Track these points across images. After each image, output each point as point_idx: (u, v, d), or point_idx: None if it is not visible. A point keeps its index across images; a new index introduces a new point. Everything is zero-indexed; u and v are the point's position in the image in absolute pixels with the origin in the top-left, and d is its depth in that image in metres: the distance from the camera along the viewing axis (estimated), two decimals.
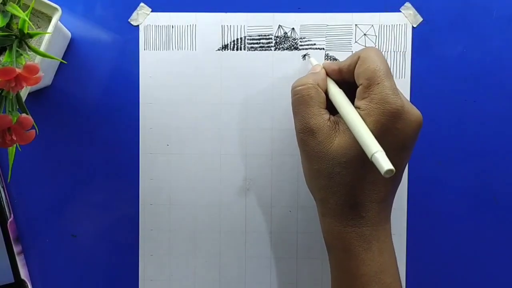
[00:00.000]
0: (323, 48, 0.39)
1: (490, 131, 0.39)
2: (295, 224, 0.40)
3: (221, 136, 0.40)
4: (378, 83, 0.30)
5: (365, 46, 0.39)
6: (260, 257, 0.40)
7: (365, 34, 0.39)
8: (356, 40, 0.39)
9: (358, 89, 0.32)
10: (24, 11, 0.29)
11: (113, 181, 0.40)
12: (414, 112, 0.31)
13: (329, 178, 0.31)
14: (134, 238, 0.40)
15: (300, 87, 0.33)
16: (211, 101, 0.40)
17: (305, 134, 0.32)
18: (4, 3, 0.29)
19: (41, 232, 0.40)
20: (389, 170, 0.27)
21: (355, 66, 0.32)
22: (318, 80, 0.33)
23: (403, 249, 0.39)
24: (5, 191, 0.40)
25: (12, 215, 0.40)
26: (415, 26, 0.39)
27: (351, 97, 0.32)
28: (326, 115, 0.32)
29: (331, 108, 0.33)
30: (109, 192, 0.40)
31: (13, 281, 0.39)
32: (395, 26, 0.39)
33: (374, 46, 0.37)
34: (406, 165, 0.33)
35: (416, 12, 0.39)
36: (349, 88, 0.33)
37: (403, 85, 0.39)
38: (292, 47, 0.39)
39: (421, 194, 0.39)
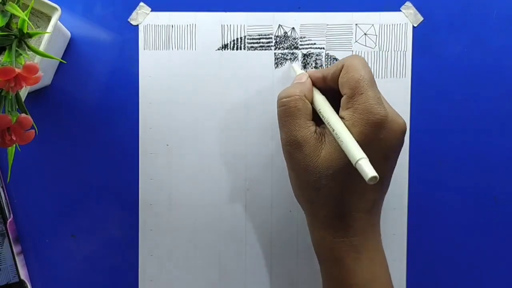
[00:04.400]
0: (323, 48, 0.39)
1: (490, 131, 0.39)
2: (295, 224, 0.40)
3: (221, 136, 0.40)
4: (362, 93, 0.30)
5: (365, 45, 0.39)
6: (260, 257, 0.40)
7: (365, 34, 0.39)
8: (357, 39, 0.39)
9: (342, 99, 0.32)
10: (23, 11, 0.29)
11: (113, 181, 0.40)
12: (398, 121, 0.31)
13: (317, 191, 0.32)
14: (134, 238, 0.40)
15: (286, 99, 0.32)
16: (211, 101, 0.39)
17: (292, 146, 0.32)
18: (3, 3, 0.29)
19: (41, 232, 0.40)
20: (373, 177, 0.27)
21: (339, 74, 0.32)
22: (304, 91, 0.33)
23: (403, 249, 0.39)
24: (5, 191, 0.40)
25: (12, 215, 0.40)
26: (415, 25, 0.39)
27: (336, 105, 0.33)
28: (312, 127, 0.32)
29: (317, 119, 0.33)
30: (109, 192, 0.40)
31: (17, 280, 0.39)
32: (396, 25, 0.39)
33: (358, 55, 0.36)
34: (392, 173, 0.33)
35: (417, 12, 0.39)
36: (334, 96, 0.33)
37: (404, 84, 0.39)
38: (292, 47, 0.39)
39: (421, 194, 0.39)
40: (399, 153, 0.32)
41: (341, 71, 0.32)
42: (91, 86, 0.40)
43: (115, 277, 0.40)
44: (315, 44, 0.39)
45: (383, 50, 0.39)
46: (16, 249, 0.39)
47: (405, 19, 0.39)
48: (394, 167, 0.33)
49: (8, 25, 0.30)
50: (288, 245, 0.40)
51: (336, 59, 0.39)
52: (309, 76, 0.35)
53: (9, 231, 0.39)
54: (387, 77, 0.39)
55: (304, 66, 0.39)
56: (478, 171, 0.39)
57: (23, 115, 0.29)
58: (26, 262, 0.40)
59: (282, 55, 0.39)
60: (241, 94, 0.39)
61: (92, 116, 0.40)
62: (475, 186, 0.39)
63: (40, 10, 0.34)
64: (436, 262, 0.39)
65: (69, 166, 0.40)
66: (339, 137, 0.30)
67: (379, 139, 0.30)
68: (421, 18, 0.39)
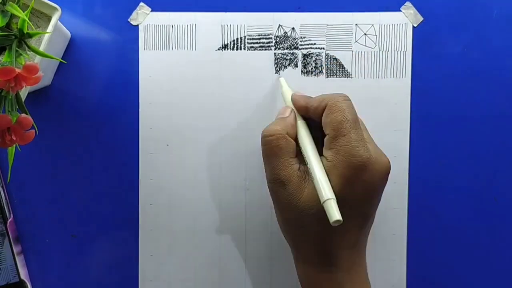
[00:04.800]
0: (323, 48, 0.39)
1: (491, 131, 0.39)
2: None
3: (221, 136, 0.40)
4: (344, 135, 0.30)
5: (365, 45, 0.39)
6: (260, 257, 0.40)
7: (365, 34, 0.39)
8: (356, 39, 0.39)
9: (326, 138, 0.32)
10: (23, 11, 0.29)
11: (113, 181, 0.40)
12: (381, 161, 0.31)
13: (300, 228, 0.32)
14: (134, 238, 0.40)
15: (269, 138, 0.32)
16: (211, 101, 0.39)
17: (276, 185, 0.32)
18: (3, 3, 0.29)
19: (41, 232, 0.40)
20: (336, 221, 0.28)
21: (322, 111, 0.32)
22: (287, 128, 0.33)
23: (403, 249, 0.39)
24: (5, 191, 0.40)
25: (12, 215, 0.40)
26: (415, 25, 0.39)
27: (319, 135, 0.33)
28: (295, 165, 0.32)
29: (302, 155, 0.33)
30: (109, 192, 0.40)
31: (17, 280, 0.39)
32: (396, 25, 0.39)
33: (344, 94, 0.34)
34: (375, 210, 0.33)
35: (417, 12, 0.39)
36: (318, 124, 0.33)
37: (404, 84, 0.39)
38: (292, 47, 0.39)
39: (421, 194, 0.39)
40: (382, 191, 0.33)
41: (324, 109, 0.32)
42: (91, 86, 0.40)
43: (115, 277, 0.40)
44: (315, 44, 0.39)
45: (383, 50, 0.39)
46: (16, 249, 0.39)
47: (405, 19, 0.39)
48: (378, 204, 0.33)
49: (8, 25, 0.30)
50: (288, 245, 0.40)
51: (336, 59, 0.39)
52: (294, 102, 0.35)
53: (9, 231, 0.39)
54: (387, 77, 0.39)
55: (304, 66, 0.39)
56: (478, 171, 0.39)
57: (23, 115, 0.29)
58: (26, 262, 0.40)
59: (282, 55, 0.39)
60: (241, 94, 0.39)
61: (92, 116, 0.40)
62: (475, 186, 0.39)
63: (40, 10, 0.34)
64: (436, 262, 0.39)
65: (69, 166, 0.40)
66: (313, 175, 0.30)
67: (362, 181, 0.30)
68: (421, 18, 0.39)
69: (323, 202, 0.29)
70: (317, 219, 0.31)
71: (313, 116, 0.33)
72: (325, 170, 0.31)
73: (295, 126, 0.34)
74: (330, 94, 0.33)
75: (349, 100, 0.32)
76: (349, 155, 0.30)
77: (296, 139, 0.33)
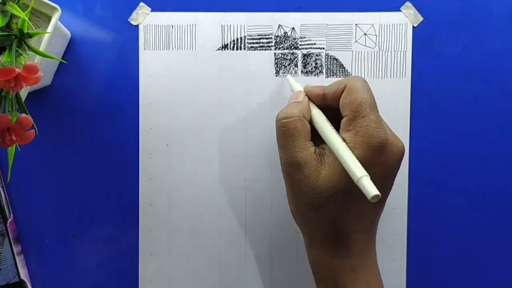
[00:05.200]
0: (323, 48, 0.39)
1: (491, 131, 0.39)
2: (295, 224, 0.40)
3: (221, 136, 0.40)
4: (364, 116, 0.31)
5: (365, 45, 0.39)
6: (260, 257, 0.40)
7: (365, 34, 0.39)
8: (356, 39, 0.39)
9: (343, 120, 0.32)
10: (23, 11, 0.29)
11: (113, 181, 0.40)
12: (397, 144, 0.32)
13: (315, 212, 0.32)
14: (134, 238, 0.40)
15: (286, 120, 0.32)
16: (211, 101, 0.39)
17: (292, 167, 0.32)
18: (3, 3, 0.29)
19: (41, 232, 0.40)
20: (375, 195, 0.28)
21: (340, 94, 0.32)
22: (303, 111, 0.33)
23: (403, 249, 0.39)
24: (5, 191, 0.40)
25: (12, 215, 0.40)
26: (415, 25, 0.39)
27: (335, 123, 0.33)
28: (312, 148, 0.32)
29: (315, 138, 0.33)
30: (109, 192, 0.40)
31: (18, 280, 0.39)
32: (396, 25, 0.39)
33: (360, 76, 0.35)
34: (389, 193, 0.33)
35: (417, 12, 0.39)
36: (331, 113, 0.33)
37: (404, 84, 0.39)
38: (292, 47, 0.39)
39: (421, 194, 0.39)
40: (395, 175, 0.33)
41: (342, 91, 0.32)
42: (91, 86, 0.40)
43: (115, 277, 0.40)
44: (315, 44, 0.39)
45: (383, 50, 0.39)
46: (16, 249, 0.39)
47: (405, 19, 0.39)
48: (391, 189, 0.33)
49: (8, 25, 0.30)
50: (288, 245, 0.40)
51: (336, 59, 0.39)
52: (308, 92, 0.35)
53: (9, 231, 0.39)
54: (387, 77, 0.39)
55: (304, 66, 0.39)
56: (478, 171, 0.39)
57: (23, 115, 0.29)
58: (26, 262, 0.40)
59: (282, 55, 0.39)
60: (241, 94, 0.39)
61: (92, 116, 0.40)
62: (475, 186, 0.39)
63: (40, 10, 0.34)
64: (436, 262, 0.39)
65: (69, 166, 0.40)
66: (341, 156, 0.30)
67: (379, 162, 0.31)
68: (421, 18, 0.39)
69: (357, 180, 0.29)
70: (333, 202, 0.31)
71: (330, 102, 0.33)
72: None
73: (309, 109, 0.34)
74: (348, 78, 0.33)
75: (367, 82, 0.32)
76: (368, 135, 0.30)
77: (310, 123, 0.33)
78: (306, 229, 0.34)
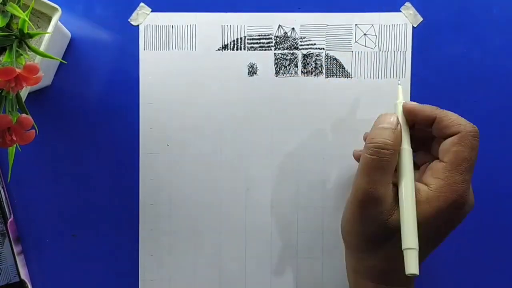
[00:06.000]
0: (323, 48, 0.39)
1: (491, 131, 0.39)
2: (295, 224, 0.40)
3: (221, 136, 0.40)
4: (461, 174, 0.30)
5: (365, 46, 0.39)
6: (260, 257, 0.40)
7: (365, 34, 0.39)
8: (356, 40, 0.39)
9: (438, 165, 0.31)
10: (24, 11, 0.29)
11: (113, 181, 0.40)
12: (471, 203, 0.31)
13: (374, 243, 0.31)
14: (134, 238, 0.40)
15: (382, 150, 0.30)
16: (211, 101, 0.39)
17: (368, 199, 0.30)
18: (4, 3, 0.29)
19: (41, 232, 0.40)
20: (412, 274, 0.28)
21: (447, 133, 0.31)
22: (398, 143, 0.31)
23: None
24: (5, 191, 0.40)
25: (12, 215, 0.40)
26: (415, 26, 0.39)
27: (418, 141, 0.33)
28: (391, 184, 0.31)
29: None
30: (109, 192, 0.40)
31: (18, 280, 0.39)
32: (395, 26, 0.39)
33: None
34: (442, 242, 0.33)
35: (416, 12, 0.39)
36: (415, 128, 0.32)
37: (403, 85, 0.39)
38: (292, 47, 0.39)
39: None
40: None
41: (451, 134, 0.30)
42: (91, 86, 0.40)
43: (115, 277, 0.40)
44: (315, 44, 0.39)
45: (382, 51, 0.39)
46: (16, 249, 0.39)
47: (405, 20, 0.39)
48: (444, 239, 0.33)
49: (8, 26, 0.30)
50: (288, 245, 0.40)
51: (336, 59, 0.39)
52: (415, 111, 0.32)
53: (9, 231, 0.39)
54: (387, 77, 0.39)
55: (304, 67, 0.39)
56: (478, 171, 0.39)
57: (24, 115, 0.29)
58: (26, 262, 0.40)
59: (282, 56, 0.39)
60: (241, 94, 0.39)
61: (92, 116, 0.40)
62: (475, 186, 0.39)
63: (41, 10, 0.34)
64: (436, 262, 0.39)
65: (69, 166, 0.40)
66: (403, 214, 0.30)
67: (452, 220, 0.30)
68: (421, 19, 0.39)
69: (405, 249, 0.29)
70: (396, 242, 0.30)
71: (426, 126, 0.32)
72: (421, 196, 0.30)
73: (401, 142, 0.32)
74: (463, 121, 0.31)
75: (479, 137, 0.31)
76: (457, 195, 0.30)
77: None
78: (355, 252, 0.33)
